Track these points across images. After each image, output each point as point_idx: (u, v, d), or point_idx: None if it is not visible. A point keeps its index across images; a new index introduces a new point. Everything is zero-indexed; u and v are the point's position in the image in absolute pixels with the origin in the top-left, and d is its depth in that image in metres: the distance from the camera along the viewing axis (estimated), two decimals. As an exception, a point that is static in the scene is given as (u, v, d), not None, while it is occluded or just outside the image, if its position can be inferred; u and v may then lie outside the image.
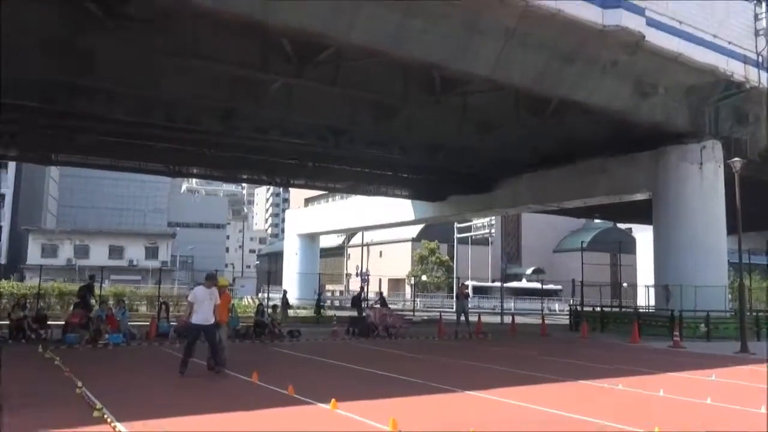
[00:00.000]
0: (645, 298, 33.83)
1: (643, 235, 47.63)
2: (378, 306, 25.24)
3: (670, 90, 23.57)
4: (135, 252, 74.85)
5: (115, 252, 74.37)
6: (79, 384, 9.81)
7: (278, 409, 8.89)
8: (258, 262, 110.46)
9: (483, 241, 62.39)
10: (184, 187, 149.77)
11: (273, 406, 9.06)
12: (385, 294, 40.81)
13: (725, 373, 13.77)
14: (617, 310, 31.63)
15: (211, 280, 11.92)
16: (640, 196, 29.05)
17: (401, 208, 42.01)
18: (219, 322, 12.21)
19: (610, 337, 23.98)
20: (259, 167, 32.32)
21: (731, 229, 24.70)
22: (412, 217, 42.04)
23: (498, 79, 19.59)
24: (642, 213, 33.25)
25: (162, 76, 19.13)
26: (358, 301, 25.69)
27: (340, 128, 25.34)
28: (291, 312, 32.84)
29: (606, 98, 22.10)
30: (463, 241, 57.20)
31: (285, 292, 32.54)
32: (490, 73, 19.01)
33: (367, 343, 20.20)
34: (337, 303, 55.18)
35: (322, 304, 34.67)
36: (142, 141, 26.57)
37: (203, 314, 11.50)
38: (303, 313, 33.68)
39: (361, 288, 32.68)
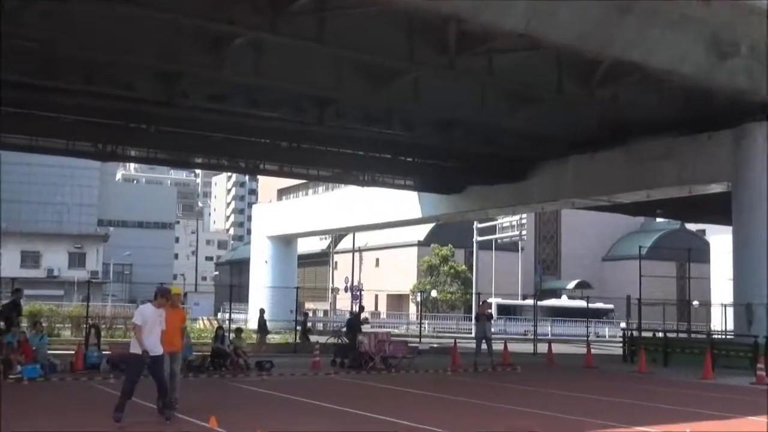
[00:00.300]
0: (721, 320, 33.98)
1: (720, 239, 47.87)
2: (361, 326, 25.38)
3: (756, 49, 23.63)
4: (55, 259, 74.95)
5: (30, 259, 74.51)
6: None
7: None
8: (217, 273, 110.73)
9: (511, 247, 62.62)
10: (119, 174, 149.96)
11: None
12: (383, 314, 40.75)
13: (825, 418, 13.85)
14: (685, 335, 31.79)
15: (163, 296, 11.93)
16: (716, 188, 29.15)
17: (404, 202, 42.10)
18: (171, 350, 12.26)
19: (676, 371, 24.09)
20: (218, 149, 32.37)
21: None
22: (418, 214, 42.13)
23: (533, 35, 19.64)
24: (719, 210, 33.36)
25: (79, 25, 19.03)
26: (356, 324, 25.89)
27: (324, 98, 25.39)
28: (277, 337, 33.03)
29: (672, 60, 22.17)
30: (485, 246, 57.35)
31: (262, 311, 32.61)
32: (524, 27, 19.08)
33: (359, 377, 20.29)
34: (320, 326, 55.28)
35: (309, 327, 34.78)
36: (60, 114, 26.57)
37: (153, 340, 11.57)
38: (276, 338, 33.76)
39: (360, 308, 32.71)
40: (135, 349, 11.55)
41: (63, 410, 13.55)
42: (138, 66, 21.95)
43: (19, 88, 22.06)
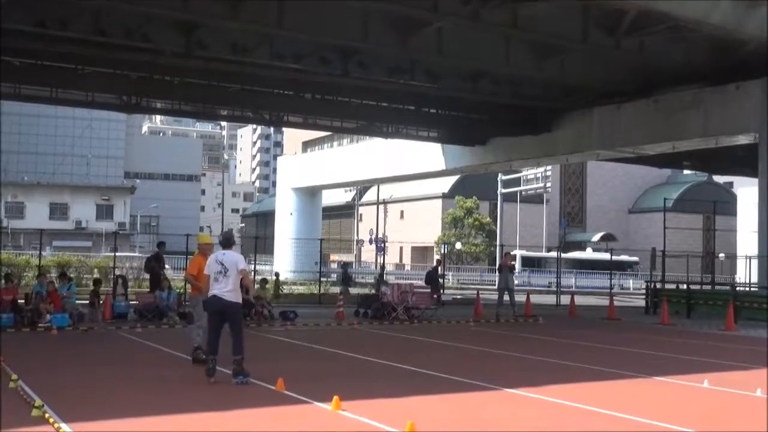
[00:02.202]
0: (746, 272, 33.86)
1: (747, 192, 47.46)
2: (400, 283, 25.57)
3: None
4: (83, 211, 75.82)
5: (58, 211, 75.43)
6: (14, 376, 10.12)
7: (265, 409, 9.13)
8: (243, 225, 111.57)
9: (536, 199, 62.50)
10: (145, 127, 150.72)
11: (258, 406, 9.30)
12: (407, 266, 40.94)
13: None
14: (709, 288, 31.74)
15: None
16: (743, 140, 28.89)
17: (428, 154, 42.06)
18: (195, 294, 12.32)
19: (699, 322, 24.14)
20: (242, 101, 32.47)
21: None
22: (442, 166, 42.10)
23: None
24: (746, 162, 33.08)
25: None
26: (435, 277, 26.07)
27: (348, 48, 25.31)
28: (285, 289, 33.35)
29: (700, 7, 21.87)
30: (509, 199, 57.25)
31: (345, 265, 32.38)
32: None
33: (381, 328, 20.54)
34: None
35: (351, 277, 34.80)
36: (78, 65, 26.68)
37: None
38: (300, 290, 34.12)
39: (438, 261, 32.47)
40: (240, 298, 11.03)
41: (92, 358, 13.83)
42: (150, 15, 21.92)
43: (29, 38, 22.12)
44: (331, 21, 22.75)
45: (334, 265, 65.81)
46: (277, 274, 33.48)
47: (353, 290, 32.90)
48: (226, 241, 11.34)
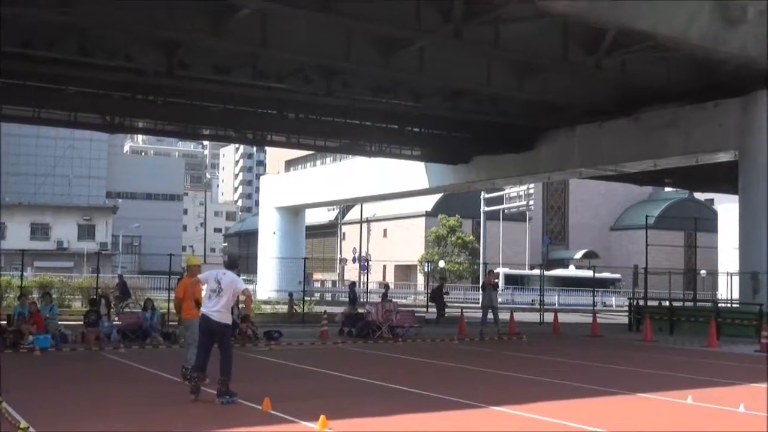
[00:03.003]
0: (727, 289, 34.09)
1: (728, 209, 47.84)
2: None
3: (765, 15, 23.53)
4: (65, 231, 75.40)
5: (39, 231, 74.97)
6: (-2, 397, 10.07)
7: (251, 429, 9.13)
8: (226, 245, 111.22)
9: (519, 217, 62.75)
10: (127, 147, 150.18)
11: (245, 425, 9.30)
12: (391, 284, 40.96)
13: (827, 384, 13.99)
14: (691, 304, 31.93)
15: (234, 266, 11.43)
16: (723, 157, 29.15)
17: (412, 173, 42.18)
18: (188, 317, 12.39)
19: (681, 339, 24.27)
20: (225, 120, 32.44)
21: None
22: (426, 185, 42.22)
23: (541, 3, 19.58)
24: (726, 179, 33.37)
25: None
26: (439, 295, 26.00)
27: (332, 68, 25.40)
28: (268, 308, 33.22)
29: (680, 27, 22.12)
30: (492, 217, 57.43)
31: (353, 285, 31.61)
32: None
33: (366, 347, 20.52)
34: (328, 296, 55.63)
35: (357, 298, 34.73)
36: (62, 85, 26.63)
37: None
38: (283, 308, 34.03)
39: (442, 279, 32.32)
40: (230, 319, 11.08)
41: (75, 378, 13.76)
42: (134, 35, 21.93)
43: (14, 59, 22.08)
44: (314, 40, 22.82)
45: (317, 284, 65.76)
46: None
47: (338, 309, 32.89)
48: (231, 263, 11.44)
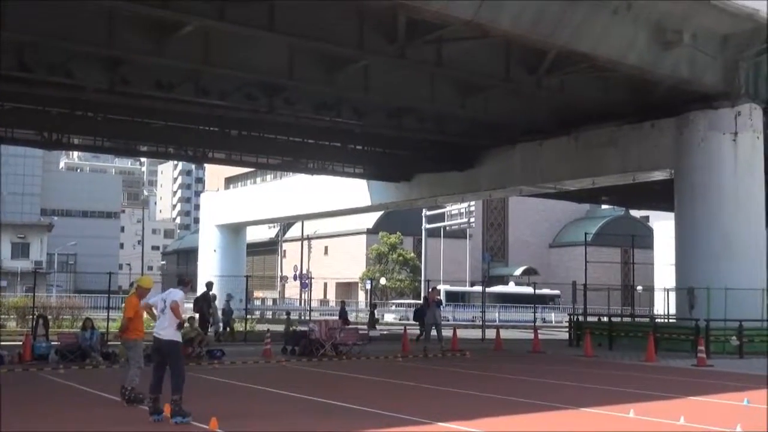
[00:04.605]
0: (664, 304, 34.78)
1: (663, 225, 48.83)
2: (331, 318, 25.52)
3: (698, 39, 24.21)
4: (-2, 249, 73.43)
5: (-29, 249, 72.89)
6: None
7: (200, 449, 9.07)
8: (164, 263, 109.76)
9: (459, 234, 63.24)
10: (62, 163, 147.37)
11: (193, 445, 9.23)
12: (332, 302, 40.72)
13: (761, 396, 14.38)
14: (629, 320, 32.48)
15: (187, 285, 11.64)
16: (659, 176, 29.83)
17: (353, 190, 42.23)
18: (133, 338, 12.30)
19: (620, 354, 24.67)
20: (165, 136, 32.16)
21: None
22: (367, 202, 42.31)
23: (483, 23, 19.87)
24: (662, 197, 34.14)
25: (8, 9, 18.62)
26: (423, 315, 25.81)
27: (274, 85, 25.37)
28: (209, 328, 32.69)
29: (618, 49, 22.61)
30: (433, 234, 57.80)
31: (229, 297, 30.81)
32: (473, 15, 19.28)
33: (310, 365, 20.44)
34: (268, 314, 55.23)
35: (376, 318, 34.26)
36: (4, 101, 26.14)
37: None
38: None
39: (425, 298, 31.46)
40: (178, 336, 11.05)
41: (13, 400, 13.44)
42: (74, 51, 21.65)
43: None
44: (257, 57, 22.76)
45: (258, 302, 65.17)
46: (229, 297, 32.74)
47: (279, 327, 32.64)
48: (179, 280, 11.63)
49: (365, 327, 32.80)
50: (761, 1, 23.44)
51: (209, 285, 23.95)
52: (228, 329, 28.78)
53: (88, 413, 11.75)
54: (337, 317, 26.39)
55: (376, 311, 36.05)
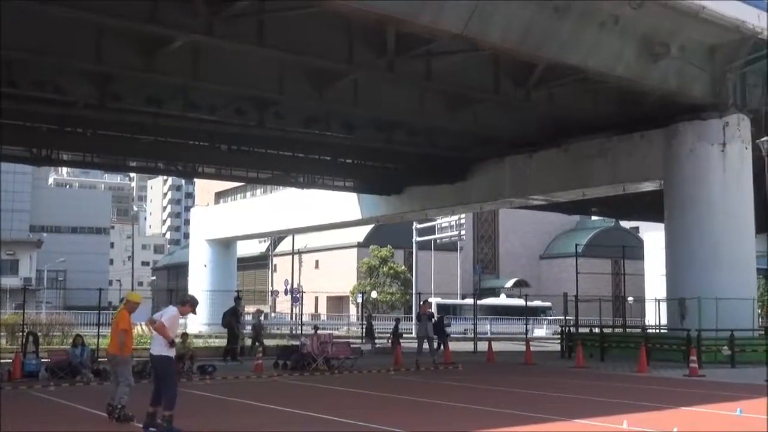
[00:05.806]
0: (655, 315, 34.83)
1: (653, 236, 48.94)
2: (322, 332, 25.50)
3: (686, 50, 24.40)
4: (-14, 266, 73.01)
5: (-41, 266, 72.45)
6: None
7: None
8: (154, 278, 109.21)
9: (450, 247, 63.18)
10: (51, 179, 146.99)
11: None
12: (323, 316, 40.61)
13: (753, 405, 14.42)
14: (620, 331, 32.53)
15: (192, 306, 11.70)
16: (648, 186, 29.95)
17: (344, 204, 42.20)
18: (122, 355, 12.23)
19: (612, 365, 24.69)
20: (155, 152, 32.06)
21: (761, 227, 25.65)
22: (358, 216, 42.28)
23: (472, 37, 19.96)
24: (651, 208, 34.24)
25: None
26: (441, 328, 25.83)
27: (264, 100, 25.43)
28: (200, 342, 32.63)
29: (606, 61, 22.76)
30: (424, 247, 57.75)
31: (259, 312, 30.35)
32: (462, 29, 19.37)
33: (302, 379, 20.40)
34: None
35: (400, 333, 34.17)
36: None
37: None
38: (216, 342, 33.56)
39: (425, 302, 31.02)
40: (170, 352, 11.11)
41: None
42: (63, 67, 21.62)
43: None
44: (247, 72, 22.82)
45: (249, 317, 64.95)
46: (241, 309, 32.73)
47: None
48: (182, 300, 11.75)
49: (357, 341, 32.73)
50: (747, 13, 23.66)
51: (238, 299, 23.70)
52: (257, 343, 28.40)
53: (77, 430, 11.67)
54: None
55: (374, 322, 35.92)
